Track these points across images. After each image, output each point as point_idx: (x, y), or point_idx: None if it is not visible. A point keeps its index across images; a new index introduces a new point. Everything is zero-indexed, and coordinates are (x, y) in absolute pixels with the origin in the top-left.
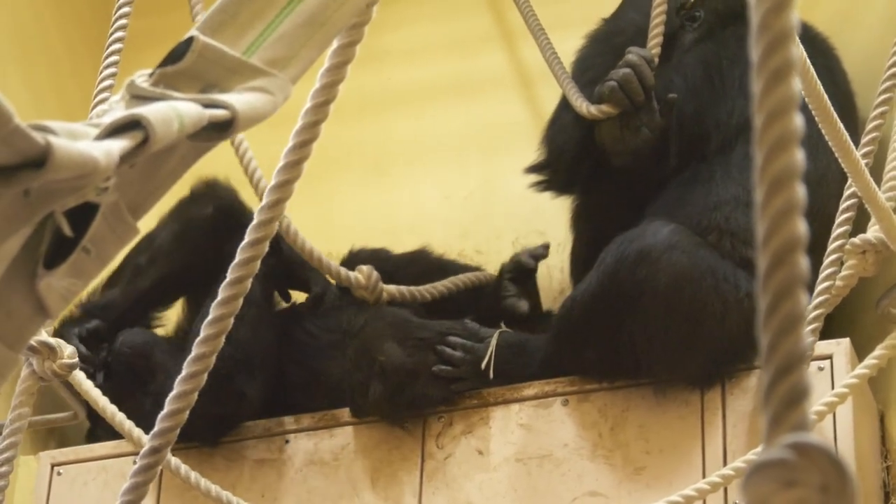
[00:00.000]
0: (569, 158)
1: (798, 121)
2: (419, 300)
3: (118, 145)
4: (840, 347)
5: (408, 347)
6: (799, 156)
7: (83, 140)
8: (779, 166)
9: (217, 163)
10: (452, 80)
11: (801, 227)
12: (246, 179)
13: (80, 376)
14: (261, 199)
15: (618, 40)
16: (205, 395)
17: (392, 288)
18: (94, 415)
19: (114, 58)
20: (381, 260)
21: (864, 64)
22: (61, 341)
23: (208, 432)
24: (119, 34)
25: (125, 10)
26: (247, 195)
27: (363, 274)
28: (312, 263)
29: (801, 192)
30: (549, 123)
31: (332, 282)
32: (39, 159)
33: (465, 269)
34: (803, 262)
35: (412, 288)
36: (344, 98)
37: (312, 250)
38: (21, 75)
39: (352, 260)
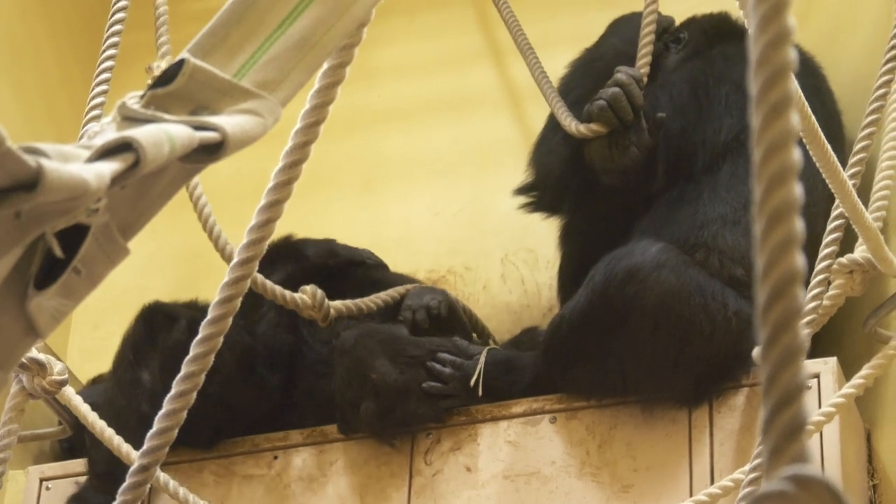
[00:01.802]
0: (556, 178)
1: (797, 154)
2: (365, 311)
3: (109, 168)
4: (827, 366)
5: (399, 365)
6: (797, 189)
7: (74, 162)
8: (778, 200)
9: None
10: (442, 97)
11: (800, 260)
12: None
13: (69, 392)
14: (220, 254)
15: (599, 64)
16: (227, 385)
17: (338, 303)
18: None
19: (105, 75)
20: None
21: (850, 84)
22: (51, 358)
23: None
24: (111, 52)
25: (117, 27)
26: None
27: (307, 294)
28: (256, 289)
29: (799, 225)
30: (537, 144)
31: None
32: (31, 182)
33: (401, 279)
34: (801, 295)
35: (357, 301)
36: (334, 114)
37: (256, 276)
38: (12, 88)
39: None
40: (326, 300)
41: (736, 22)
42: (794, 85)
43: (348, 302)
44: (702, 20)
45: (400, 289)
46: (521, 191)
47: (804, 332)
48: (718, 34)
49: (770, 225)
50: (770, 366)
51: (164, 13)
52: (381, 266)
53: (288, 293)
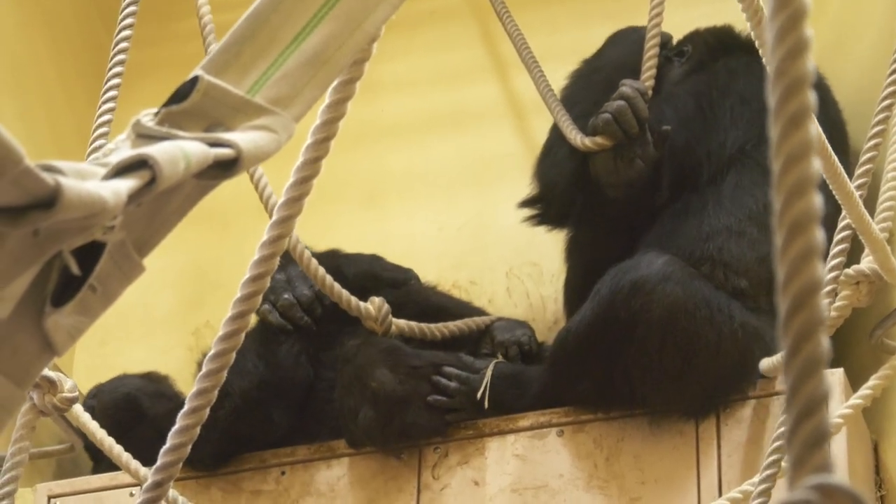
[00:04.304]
0: (561, 191)
1: (816, 164)
2: (429, 338)
3: (126, 185)
4: (834, 377)
5: (400, 374)
6: (817, 200)
7: (91, 180)
8: (798, 211)
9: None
10: (446, 111)
11: (820, 270)
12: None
13: (78, 409)
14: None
15: (600, 76)
16: (233, 414)
17: (402, 322)
18: (94, 448)
19: (112, 93)
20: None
21: (855, 94)
22: (62, 375)
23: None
24: (118, 69)
25: (123, 45)
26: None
27: (374, 305)
28: (324, 291)
29: (819, 235)
30: (541, 157)
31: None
32: (49, 200)
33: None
34: (822, 305)
35: (423, 325)
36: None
37: (325, 277)
38: (15, 106)
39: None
40: (391, 316)
41: (739, 35)
42: (813, 96)
43: (413, 324)
44: (705, 33)
45: (472, 322)
46: (526, 204)
47: (826, 342)
48: (722, 47)
49: (790, 235)
50: (792, 376)
51: (210, 21)
52: (429, 287)
53: (353, 300)
